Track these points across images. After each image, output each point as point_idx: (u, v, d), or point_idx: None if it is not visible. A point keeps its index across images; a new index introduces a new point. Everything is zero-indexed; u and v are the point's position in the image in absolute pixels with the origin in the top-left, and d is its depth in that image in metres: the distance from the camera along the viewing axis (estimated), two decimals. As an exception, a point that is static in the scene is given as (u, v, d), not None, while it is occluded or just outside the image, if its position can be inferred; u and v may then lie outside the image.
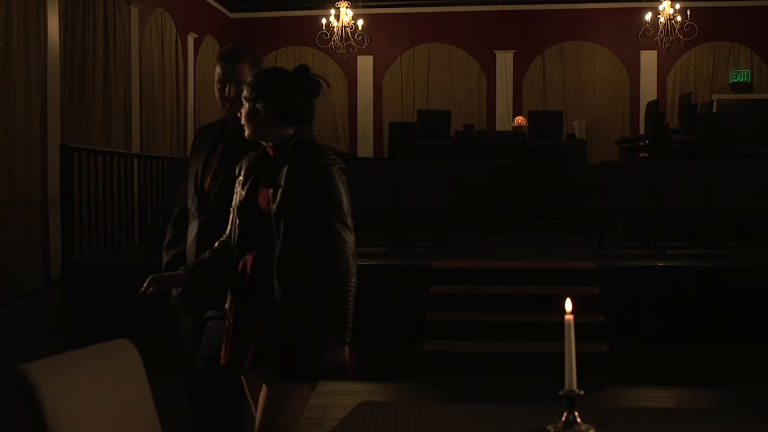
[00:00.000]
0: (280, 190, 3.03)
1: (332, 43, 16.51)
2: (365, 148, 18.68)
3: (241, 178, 3.19)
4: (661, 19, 15.96)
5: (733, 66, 17.98)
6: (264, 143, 3.15)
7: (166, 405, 3.04)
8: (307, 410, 5.95)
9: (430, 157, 13.94)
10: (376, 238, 10.47)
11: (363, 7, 17.82)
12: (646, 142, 14.63)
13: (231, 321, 3.11)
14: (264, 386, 3.07)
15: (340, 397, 6.26)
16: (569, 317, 2.19)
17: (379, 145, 18.49)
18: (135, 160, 10.52)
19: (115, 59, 13.15)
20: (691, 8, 15.82)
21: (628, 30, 17.49)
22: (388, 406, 3.02)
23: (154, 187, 10.62)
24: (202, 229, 3.56)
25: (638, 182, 9.47)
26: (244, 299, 3.08)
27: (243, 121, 3.12)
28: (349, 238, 3.10)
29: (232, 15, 18.77)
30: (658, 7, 16.01)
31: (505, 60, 18.39)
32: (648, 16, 15.98)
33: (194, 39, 16.62)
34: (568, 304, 2.20)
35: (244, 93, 3.11)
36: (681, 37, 15.77)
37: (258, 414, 3.08)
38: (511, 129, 16.83)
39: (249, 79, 3.16)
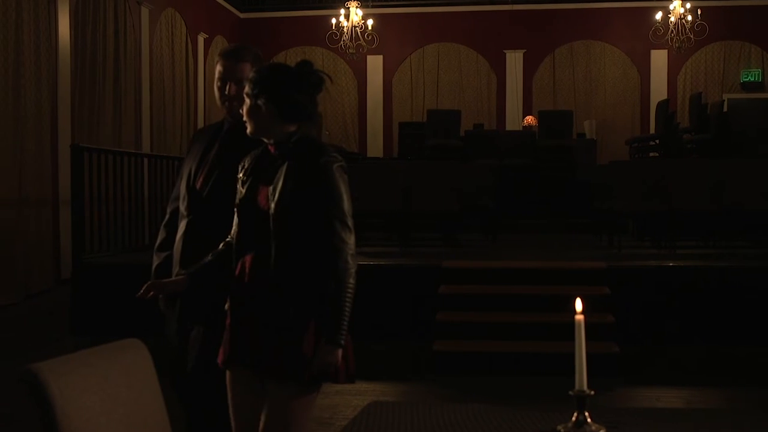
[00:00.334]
0: (279, 189, 2.97)
1: (342, 43, 16.51)
2: (375, 147, 18.68)
3: (242, 176, 3.13)
4: (672, 19, 15.91)
5: (744, 65, 17.92)
6: (266, 140, 3.09)
7: (170, 404, 3.05)
8: (317, 410, 5.98)
9: (439, 157, 13.93)
10: (386, 238, 10.47)
11: (373, 6, 17.82)
12: (657, 141, 14.59)
13: (229, 321, 3.05)
14: (268, 395, 2.99)
15: (349, 396, 6.26)
16: (580, 317, 2.18)
17: (389, 145, 18.49)
18: (145, 160, 10.54)
19: (126, 59, 13.18)
20: (701, 7, 15.77)
21: (638, 29, 17.45)
22: (397, 406, 3.02)
23: (164, 187, 10.63)
24: (189, 228, 3.51)
25: (648, 182, 9.44)
26: (243, 299, 3.02)
27: (244, 118, 3.07)
28: (349, 238, 3.02)
29: (242, 15, 18.79)
30: (668, 7, 15.97)
31: (515, 60, 18.37)
32: (658, 16, 15.94)
33: (204, 39, 16.65)
34: (579, 304, 2.19)
35: (246, 89, 3.05)
36: (692, 36, 15.72)
37: (262, 424, 2.97)
38: (521, 129, 16.80)
39: (251, 74, 3.10)
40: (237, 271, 3.05)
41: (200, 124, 16.11)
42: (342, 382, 3.02)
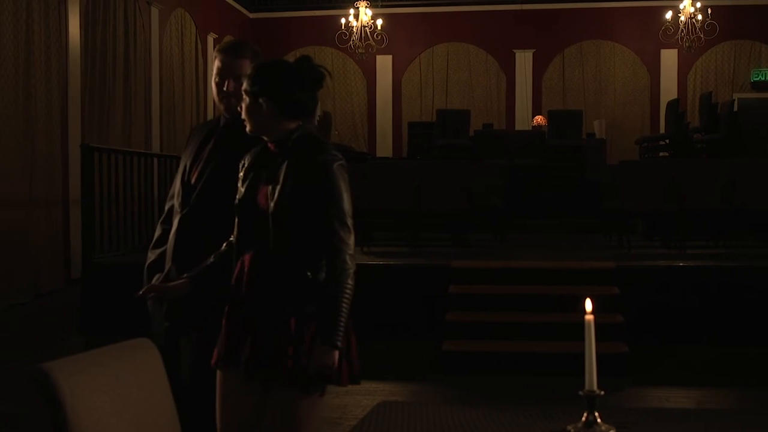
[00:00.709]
0: (278, 187, 2.91)
1: (351, 42, 16.52)
2: (384, 147, 18.69)
3: (241, 174, 3.08)
4: (682, 18, 15.88)
5: (755, 65, 17.87)
6: (265, 138, 3.05)
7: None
8: (326, 410, 5.98)
9: (448, 157, 13.93)
10: (395, 238, 10.47)
11: (382, 6, 17.83)
12: (667, 141, 14.55)
13: (225, 321, 3.01)
14: (268, 397, 2.95)
15: (359, 396, 6.26)
16: (589, 317, 2.18)
17: (398, 145, 18.49)
18: (155, 160, 10.56)
19: (136, 59, 13.21)
20: (711, 6, 15.73)
21: (648, 29, 17.42)
22: (407, 406, 3.02)
23: (174, 187, 10.64)
24: (182, 223, 3.46)
25: (658, 182, 9.41)
26: (241, 299, 2.97)
27: (243, 116, 3.01)
28: (348, 238, 2.94)
29: (251, 15, 18.82)
30: (678, 6, 15.93)
31: (524, 59, 18.35)
32: (668, 15, 15.90)
33: (214, 39, 16.68)
34: (588, 304, 2.19)
35: (244, 86, 3.00)
36: (702, 35, 15.69)
37: (265, 427, 2.94)
38: (531, 128, 16.79)
39: (249, 71, 3.06)
40: (236, 271, 3.01)
41: (210, 124, 16.11)
42: (345, 384, 2.96)
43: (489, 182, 10.53)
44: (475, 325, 7.62)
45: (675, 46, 16.75)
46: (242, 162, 3.12)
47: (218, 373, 3.04)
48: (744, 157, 12.12)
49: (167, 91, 14.52)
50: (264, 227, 2.93)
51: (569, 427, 2.26)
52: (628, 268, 8.09)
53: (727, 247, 9.51)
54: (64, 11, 11.03)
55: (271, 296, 2.90)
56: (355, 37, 16.53)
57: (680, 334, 7.88)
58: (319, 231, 2.91)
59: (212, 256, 3.15)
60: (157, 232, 3.70)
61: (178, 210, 3.51)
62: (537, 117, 17.14)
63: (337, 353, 2.85)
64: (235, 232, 3.06)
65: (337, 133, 17.78)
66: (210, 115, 16.34)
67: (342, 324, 2.86)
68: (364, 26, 16.53)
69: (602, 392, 2.20)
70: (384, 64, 18.68)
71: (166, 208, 3.70)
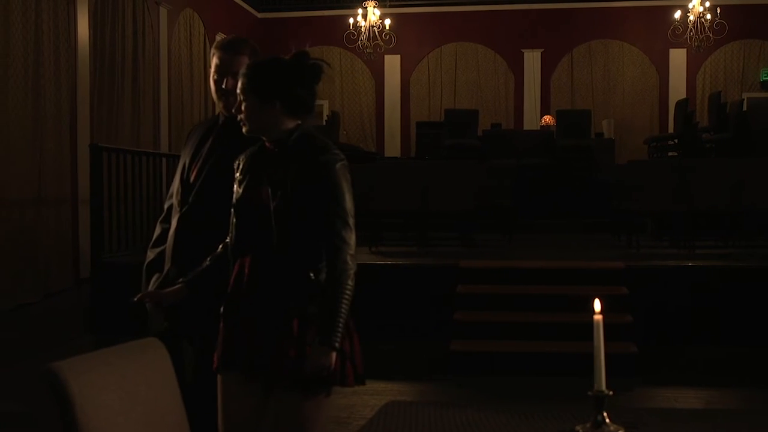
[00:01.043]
0: (279, 187, 2.88)
1: (359, 42, 16.53)
2: (392, 147, 18.69)
3: (238, 175, 3.03)
4: (691, 17, 15.85)
5: (764, 64, 17.81)
6: (264, 138, 3.00)
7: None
8: (334, 409, 5.99)
9: (457, 157, 13.92)
10: (403, 238, 10.47)
11: (390, 6, 17.83)
12: (676, 141, 14.52)
13: (224, 325, 2.97)
14: (271, 400, 2.92)
15: (366, 396, 6.26)
16: (598, 317, 2.18)
17: (407, 145, 18.49)
18: (163, 160, 10.58)
19: (144, 59, 13.23)
20: (721, 6, 15.70)
21: (657, 28, 17.39)
22: (414, 406, 3.01)
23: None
24: (181, 222, 3.43)
25: (667, 182, 9.39)
26: (241, 301, 2.93)
27: (240, 117, 2.96)
28: (350, 237, 2.89)
29: (259, 15, 18.84)
30: (687, 5, 15.90)
31: (532, 59, 18.34)
32: (677, 14, 15.87)
33: (222, 39, 16.68)
34: (597, 304, 2.19)
35: (240, 86, 2.94)
36: (711, 35, 15.65)
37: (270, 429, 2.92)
38: (539, 128, 16.76)
39: (243, 70, 2.98)
40: (235, 273, 2.97)
41: (218, 123, 16.14)
42: (351, 384, 2.93)
43: (497, 182, 10.52)
44: (483, 325, 7.61)
45: (684, 45, 16.71)
46: (237, 162, 3.08)
47: (219, 378, 3.00)
48: (753, 157, 12.08)
49: (176, 91, 14.54)
50: (265, 228, 2.90)
51: (578, 427, 2.25)
52: (637, 268, 8.08)
53: (736, 247, 9.48)
54: (73, 11, 11.06)
55: (273, 297, 2.87)
56: (363, 36, 16.53)
57: (689, 335, 7.87)
58: (320, 231, 2.88)
59: (208, 259, 3.12)
60: (157, 231, 3.67)
61: (177, 209, 3.48)
62: (545, 117, 17.11)
63: (334, 354, 2.81)
64: (232, 233, 3.02)
65: (345, 133, 17.79)
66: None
67: (341, 325, 2.82)
68: (373, 26, 16.53)
69: (611, 392, 2.19)
70: (392, 63, 18.67)
71: (166, 206, 3.67)
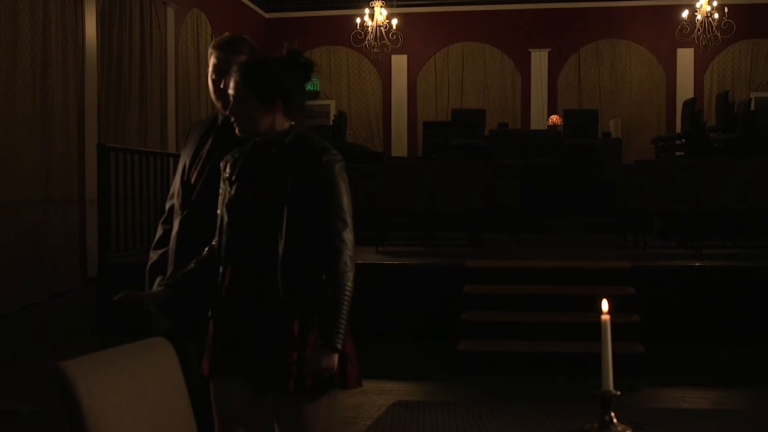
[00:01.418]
0: (277, 188, 2.85)
1: (366, 42, 16.54)
2: (399, 147, 18.69)
3: (227, 175, 2.99)
4: (698, 17, 15.82)
5: (772, 64, 17.78)
6: (257, 138, 2.96)
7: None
8: (341, 409, 6.01)
9: (464, 157, 13.91)
10: (410, 238, 10.47)
11: (397, 6, 17.82)
12: (683, 140, 14.51)
13: (214, 329, 2.94)
14: (269, 404, 2.90)
15: (374, 396, 6.26)
16: (606, 317, 2.17)
17: (413, 145, 18.49)
18: (171, 160, 10.59)
19: (152, 59, 13.25)
20: (728, 5, 15.67)
21: (664, 28, 17.36)
22: (422, 406, 3.01)
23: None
24: (183, 224, 3.41)
25: (674, 181, 9.38)
26: (235, 305, 2.89)
27: (234, 117, 2.92)
28: (349, 239, 2.88)
29: (267, 15, 18.85)
30: (695, 5, 15.87)
31: (539, 59, 18.32)
32: (685, 14, 15.84)
33: (229, 39, 16.69)
34: (605, 305, 2.18)
35: (236, 86, 2.90)
36: (718, 34, 15.62)
37: None
38: (546, 128, 16.75)
39: (238, 70, 2.93)
40: (228, 276, 2.92)
41: (225, 123, 16.17)
42: (354, 386, 2.92)
43: (504, 182, 10.52)
44: (491, 325, 7.61)
45: (691, 45, 16.68)
46: (224, 162, 3.04)
47: (212, 384, 2.95)
48: (761, 157, 12.05)
49: (183, 91, 14.56)
50: (262, 229, 2.87)
51: (585, 427, 2.25)
52: (644, 268, 8.07)
53: (743, 246, 9.47)
54: (81, 11, 11.08)
55: (273, 300, 2.83)
56: (370, 36, 16.54)
57: (696, 334, 7.85)
58: (320, 232, 2.86)
59: (193, 262, 3.08)
60: (159, 232, 3.65)
61: (179, 211, 3.47)
62: (552, 116, 17.10)
63: (336, 356, 2.80)
64: (224, 235, 2.96)
65: (352, 132, 17.79)
66: (225, 115, 16.36)
67: (342, 326, 2.81)
68: (380, 26, 16.54)
69: (618, 392, 2.19)
70: (399, 63, 18.67)
71: (167, 207, 3.64)
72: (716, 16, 15.61)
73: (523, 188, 11.02)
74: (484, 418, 2.64)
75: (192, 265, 3.08)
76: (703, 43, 15.89)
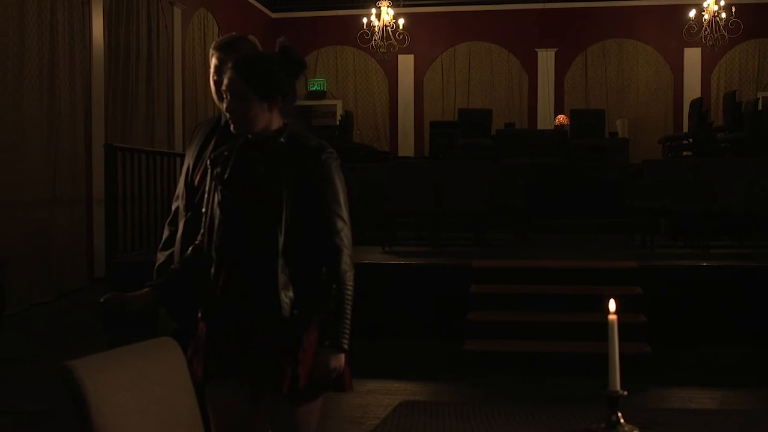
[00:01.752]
0: (276, 186, 2.81)
1: (373, 42, 16.53)
2: (406, 147, 18.69)
3: (219, 173, 2.93)
4: (706, 16, 15.79)
5: (779, 63, 17.74)
6: (249, 135, 2.90)
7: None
8: (348, 409, 6.02)
9: (470, 156, 13.90)
10: (417, 237, 10.47)
11: (404, 6, 17.83)
12: (690, 140, 14.48)
13: (207, 331, 2.90)
14: (266, 406, 2.87)
15: (380, 396, 6.26)
16: (613, 317, 2.17)
17: (420, 144, 18.48)
18: (178, 159, 10.60)
19: (159, 59, 13.28)
20: (735, 5, 15.64)
21: (671, 27, 17.32)
22: (428, 406, 3.02)
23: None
24: (187, 226, 3.39)
25: (682, 181, 9.37)
26: (230, 306, 2.84)
27: (232, 115, 2.86)
28: (348, 236, 2.85)
29: (273, 15, 18.86)
30: (702, 4, 15.84)
31: (546, 58, 18.30)
32: (692, 13, 15.81)
33: (236, 39, 16.71)
34: (612, 305, 2.18)
35: (235, 83, 2.83)
36: (726, 34, 15.59)
37: None
38: (553, 128, 16.74)
39: (231, 67, 2.86)
40: (223, 276, 2.87)
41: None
42: (346, 389, 2.90)
43: (511, 182, 10.52)
44: (497, 325, 7.61)
45: (698, 44, 16.65)
46: (212, 159, 3.01)
47: (206, 389, 2.90)
48: (768, 156, 12.04)
49: (190, 91, 14.58)
50: (259, 228, 2.82)
51: (592, 427, 2.25)
52: (651, 268, 8.06)
53: (750, 246, 9.45)
54: (88, 11, 11.10)
55: (272, 300, 2.78)
56: (376, 36, 16.53)
57: (703, 335, 7.84)
58: (319, 230, 2.83)
59: (177, 262, 3.05)
60: (165, 234, 3.63)
61: (183, 212, 3.46)
62: (559, 116, 17.09)
63: (343, 356, 2.80)
64: (218, 234, 2.90)
65: (359, 132, 17.80)
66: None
67: (348, 326, 2.80)
68: (386, 26, 16.54)
69: (625, 392, 2.19)
70: (406, 63, 18.67)
71: (173, 208, 3.64)
72: (723, 15, 15.58)
73: (530, 188, 11.02)
74: (491, 417, 2.65)
75: (177, 266, 3.05)
76: (711, 43, 15.86)
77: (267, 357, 2.80)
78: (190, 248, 3.06)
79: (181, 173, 3.61)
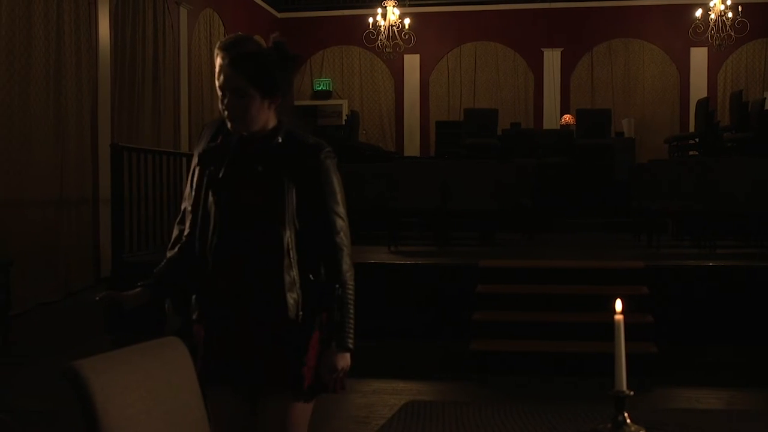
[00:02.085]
0: (275, 186, 2.77)
1: (379, 42, 16.53)
2: (412, 146, 18.69)
3: (213, 171, 2.87)
4: (712, 16, 15.75)
5: (786, 63, 17.70)
6: (244, 132, 2.84)
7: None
8: (354, 409, 6.02)
9: (476, 156, 13.91)
10: (423, 237, 10.47)
11: (410, 6, 17.82)
12: (696, 140, 14.46)
13: (204, 334, 2.86)
14: (265, 403, 2.84)
15: (386, 396, 6.26)
16: (619, 317, 2.17)
17: (426, 144, 18.48)
18: (184, 159, 10.61)
19: (165, 59, 13.29)
20: (742, 4, 15.60)
21: (677, 27, 17.30)
22: (434, 406, 3.02)
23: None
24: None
25: (688, 181, 9.36)
26: (229, 307, 2.80)
27: (230, 114, 2.79)
28: (348, 235, 2.82)
29: (279, 15, 18.87)
30: (708, 3, 15.81)
31: (552, 58, 18.28)
32: (698, 13, 15.78)
33: (242, 39, 16.72)
34: (619, 305, 2.18)
35: (227, 79, 2.77)
36: (732, 33, 15.55)
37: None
38: (559, 127, 16.73)
39: (229, 64, 2.79)
40: (221, 278, 2.82)
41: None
42: (342, 389, 2.88)
43: (517, 181, 10.51)
44: (503, 325, 7.60)
45: (705, 44, 16.61)
46: (201, 157, 2.94)
47: (205, 391, 2.81)
48: (775, 156, 12.01)
49: (196, 91, 14.60)
50: (260, 228, 2.79)
51: (599, 428, 2.25)
52: (657, 268, 8.04)
53: (757, 246, 9.43)
54: (94, 12, 11.12)
55: (276, 301, 2.76)
56: (382, 36, 16.53)
57: (710, 335, 7.82)
58: (319, 230, 2.80)
59: (165, 263, 2.97)
60: (174, 233, 3.61)
61: (190, 212, 3.48)
62: (565, 116, 17.07)
63: (349, 355, 2.78)
64: (215, 235, 2.84)
65: (364, 132, 17.80)
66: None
67: (352, 326, 2.78)
68: (392, 25, 16.53)
69: (631, 392, 2.19)
70: (411, 63, 18.67)
71: (182, 208, 3.66)
72: (730, 15, 15.54)
73: (536, 188, 11.01)
74: (497, 417, 2.64)
75: (165, 267, 2.98)
76: (717, 42, 15.82)
77: (271, 359, 2.78)
78: (177, 247, 3.01)
79: (188, 173, 3.60)
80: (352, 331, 2.78)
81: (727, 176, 9.36)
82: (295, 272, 2.77)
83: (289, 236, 2.77)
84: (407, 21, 16.50)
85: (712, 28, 15.75)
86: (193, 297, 2.92)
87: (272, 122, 2.86)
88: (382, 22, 16.53)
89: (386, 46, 16.54)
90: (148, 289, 2.93)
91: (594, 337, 7.04)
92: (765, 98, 14.74)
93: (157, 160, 9.59)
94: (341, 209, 2.83)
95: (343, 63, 18.96)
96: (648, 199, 9.63)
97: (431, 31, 18.33)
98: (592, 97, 18.25)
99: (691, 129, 16.26)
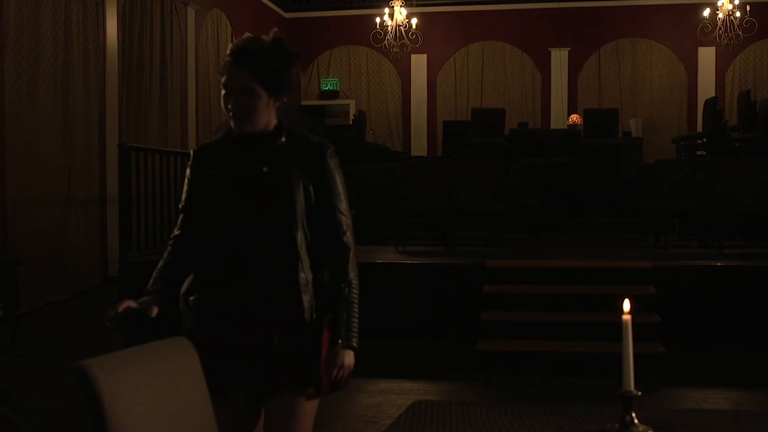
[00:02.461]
0: (281, 186, 2.75)
1: (386, 42, 16.54)
2: (419, 146, 18.69)
3: (212, 172, 2.85)
4: (720, 15, 15.72)
5: (794, 62, 17.66)
6: (246, 130, 2.80)
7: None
8: (361, 408, 6.02)
9: (484, 156, 13.89)
10: (430, 237, 10.47)
11: (417, 5, 17.82)
12: (704, 140, 14.43)
13: (212, 342, 2.78)
14: (272, 403, 2.83)
15: (393, 395, 6.27)
16: (627, 317, 2.17)
17: (433, 144, 18.48)
18: (191, 160, 10.63)
19: (172, 59, 13.31)
20: (750, 3, 15.57)
21: (685, 26, 17.27)
22: (441, 406, 3.01)
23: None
24: None
25: (695, 181, 9.34)
26: (232, 309, 2.77)
27: (237, 112, 2.77)
28: (352, 234, 2.82)
29: (286, 15, 18.88)
30: (716, 3, 15.78)
31: (560, 58, 18.27)
32: (706, 12, 15.75)
33: (249, 39, 16.75)
34: (627, 305, 2.18)
35: (233, 78, 2.76)
36: (740, 33, 15.52)
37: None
38: (566, 127, 16.71)
39: (234, 62, 2.77)
40: (222, 277, 2.80)
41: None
42: (346, 387, 2.87)
43: (524, 181, 10.50)
44: (510, 325, 7.59)
45: (713, 43, 16.58)
46: (199, 157, 2.93)
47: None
48: (783, 156, 11.98)
49: (203, 91, 14.62)
50: (267, 230, 2.76)
51: (606, 428, 2.24)
52: (665, 268, 8.03)
53: (765, 246, 9.40)
54: (102, 12, 11.14)
55: (285, 301, 2.75)
56: (389, 36, 16.54)
57: (717, 335, 7.81)
58: (325, 229, 2.80)
59: (163, 267, 2.95)
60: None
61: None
62: (573, 115, 17.05)
63: (353, 354, 2.78)
64: (219, 236, 2.82)
65: (372, 132, 17.81)
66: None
67: (357, 325, 2.79)
68: (399, 25, 16.54)
69: (639, 393, 2.19)
70: (419, 63, 18.67)
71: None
72: (738, 14, 15.51)
73: (543, 187, 11.00)
74: (504, 417, 2.64)
75: (165, 272, 2.94)
76: (725, 42, 15.79)
77: (275, 359, 2.77)
78: (169, 249, 2.99)
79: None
80: (357, 330, 2.79)
81: (734, 176, 9.34)
82: (308, 272, 2.76)
83: (300, 237, 2.76)
84: (414, 21, 16.51)
85: (720, 28, 15.72)
86: (191, 298, 2.90)
87: (273, 122, 2.84)
88: (389, 22, 16.54)
89: (393, 46, 16.55)
90: (157, 295, 2.89)
91: (601, 337, 7.03)
92: (773, 98, 14.70)
93: (165, 160, 9.60)
94: (346, 209, 2.83)
95: (351, 63, 18.97)
96: (655, 199, 9.61)
97: (438, 31, 18.32)
98: (600, 96, 18.23)
99: (699, 129, 16.22)
